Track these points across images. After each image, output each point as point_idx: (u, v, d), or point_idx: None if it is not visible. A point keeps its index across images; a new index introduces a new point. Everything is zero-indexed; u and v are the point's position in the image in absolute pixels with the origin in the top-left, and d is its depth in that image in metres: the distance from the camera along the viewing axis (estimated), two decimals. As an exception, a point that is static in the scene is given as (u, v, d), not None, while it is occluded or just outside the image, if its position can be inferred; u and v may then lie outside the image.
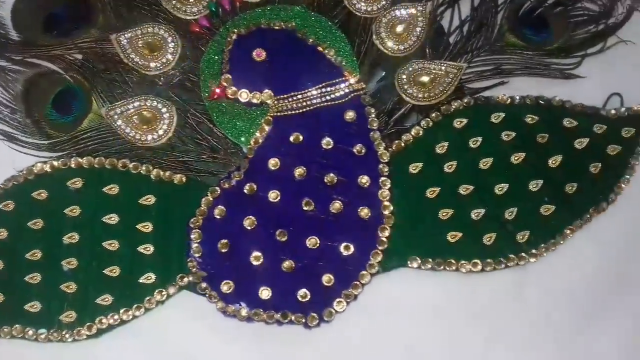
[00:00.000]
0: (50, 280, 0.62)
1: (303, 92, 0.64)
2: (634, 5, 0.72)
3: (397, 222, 0.64)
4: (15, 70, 0.67)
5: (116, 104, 0.66)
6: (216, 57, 0.66)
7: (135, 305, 0.61)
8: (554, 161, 0.66)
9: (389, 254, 0.63)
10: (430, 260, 0.64)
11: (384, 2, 0.69)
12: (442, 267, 0.64)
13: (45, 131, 0.67)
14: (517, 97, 0.68)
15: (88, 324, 0.61)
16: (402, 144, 0.66)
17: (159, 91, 0.67)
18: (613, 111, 0.69)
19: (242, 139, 0.65)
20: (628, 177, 0.68)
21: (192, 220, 0.62)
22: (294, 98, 0.64)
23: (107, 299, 0.61)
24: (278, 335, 0.61)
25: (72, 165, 0.64)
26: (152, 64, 0.67)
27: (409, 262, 0.64)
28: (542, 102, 0.68)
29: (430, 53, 0.69)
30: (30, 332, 0.61)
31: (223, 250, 0.61)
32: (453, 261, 0.64)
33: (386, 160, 0.64)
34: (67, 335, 0.61)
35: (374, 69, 0.69)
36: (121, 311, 0.61)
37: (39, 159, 0.65)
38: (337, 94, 0.64)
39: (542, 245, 0.65)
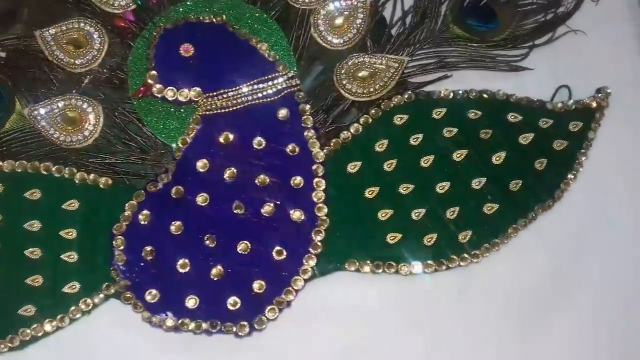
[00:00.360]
0: None
1: (233, 89, 0.61)
2: None
3: (334, 224, 0.62)
4: None
5: (40, 104, 0.63)
6: (144, 54, 0.63)
7: (60, 316, 0.59)
8: (498, 158, 0.65)
9: (326, 257, 0.61)
10: (368, 262, 0.62)
11: None
12: (381, 270, 0.62)
13: None
14: (460, 92, 0.66)
15: (10, 336, 0.59)
16: (341, 142, 0.63)
17: (85, 89, 0.64)
18: (560, 104, 0.66)
19: (172, 139, 0.62)
20: (575, 172, 0.66)
21: (115, 226, 0.59)
22: (224, 96, 0.61)
23: (29, 310, 0.59)
24: (208, 345, 0.59)
25: None
26: (78, 61, 0.64)
27: (346, 265, 0.62)
28: (485, 96, 0.65)
29: (372, 46, 0.67)
30: None
31: (148, 258, 0.59)
32: (393, 263, 0.62)
33: (321, 160, 0.61)
34: None
35: (313, 64, 0.67)
36: (45, 322, 0.59)
37: None
38: (270, 91, 0.62)
39: (485, 245, 0.63)
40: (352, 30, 0.66)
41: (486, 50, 0.69)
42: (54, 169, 0.61)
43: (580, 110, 0.67)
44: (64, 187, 0.61)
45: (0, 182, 0.61)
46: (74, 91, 0.64)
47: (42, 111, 0.62)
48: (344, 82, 0.65)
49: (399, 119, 0.64)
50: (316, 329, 0.61)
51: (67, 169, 0.61)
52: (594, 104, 0.67)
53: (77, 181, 0.61)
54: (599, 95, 0.68)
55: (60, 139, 0.62)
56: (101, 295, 0.59)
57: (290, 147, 0.61)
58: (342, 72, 0.65)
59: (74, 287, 0.59)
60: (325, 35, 0.66)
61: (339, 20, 0.66)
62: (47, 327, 0.59)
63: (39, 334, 0.59)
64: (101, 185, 0.61)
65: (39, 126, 0.62)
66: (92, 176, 0.61)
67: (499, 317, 0.63)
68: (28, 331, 0.59)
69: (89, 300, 0.59)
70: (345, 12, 0.66)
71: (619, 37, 0.71)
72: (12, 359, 0.59)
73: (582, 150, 0.67)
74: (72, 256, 0.60)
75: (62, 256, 0.60)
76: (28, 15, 0.66)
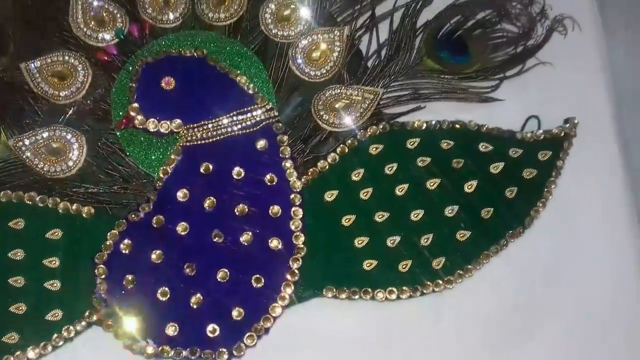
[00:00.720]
0: None
1: (213, 121, 0.63)
2: (554, 27, 0.72)
3: (312, 251, 0.62)
4: None
5: (24, 135, 0.64)
6: (127, 86, 0.64)
7: (43, 343, 0.59)
8: (470, 186, 0.66)
9: (303, 284, 0.62)
10: (345, 289, 0.63)
11: (300, 27, 0.68)
12: (357, 296, 0.63)
13: None
14: (433, 122, 0.67)
15: None
16: (318, 172, 0.64)
17: (69, 121, 0.65)
18: (529, 134, 0.68)
19: (154, 169, 0.64)
20: (544, 200, 0.67)
21: (97, 255, 0.60)
22: (204, 127, 0.62)
23: (13, 337, 0.59)
24: None
25: None
26: (62, 93, 0.65)
27: (324, 292, 0.63)
28: (457, 126, 0.67)
29: (348, 78, 0.68)
30: None
31: (129, 287, 0.59)
32: (369, 290, 0.63)
33: (298, 190, 0.62)
34: None
35: (291, 95, 0.68)
36: (28, 349, 0.59)
37: None
38: (249, 122, 0.63)
39: (458, 271, 0.64)
40: (329, 63, 0.68)
41: (458, 82, 0.70)
42: (37, 198, 0.62)
43: (549, 140, 0.69)
44: (48, 217, 0.62)
45: None
46: (58, 122, 0.64)
47: (27, 142, 0.63)
48: (322, 113, 0.66)
49: (374, 149, 0.65)
50: (294, 356, 0.62)
51: (50, 199, 0.62)
52: (562, 134, 0.69)
53: (60, 211, 0.62)
54: (567, 125, 0.69)
55: (45, 169, 0.63)
56: (83, 323, 0.60)
57: (268, 176, 0.62)
58: (320, 103, 0.67)
59: (56, 314, 0.60)
60: (303, 68, 0.68)
61: (316, 53, 0.68)
62: (30, 354, 0.59)
63: None
64: (84, 215, 0.62)
65: (24, 156, 0.63)
66: (75, 206, 0.62)
67: (473, 342, 0.64)
68: (12, 359, 0.59)
69: (71, 328, 0.60)
70: (323, 46, 0.67)
71: (586, 69, 0.73)
72: None
73: (552, 179, 0.68)
74: (55, 284, 0.60)
75: (45, 284, 0.60)
76: (13, 48, 0.66)
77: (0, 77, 0.66)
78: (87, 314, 0.60)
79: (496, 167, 0.67)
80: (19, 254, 0.61)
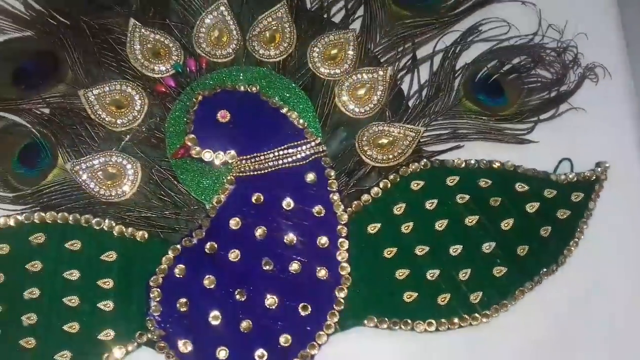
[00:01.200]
0: (10, 335, 0.62)
1: (265, 153, 0.66)
2: (585, 74, 0.76)
3: (355, 281, 0.65)
4: None
5: (82, 159, 0.67)
6: (181, 116, 0.68)
7: None
8: (506, 224, 0.69)
9: (346, 313, 0.64)
10: (386, 319, 0.65)
11: (346, 66, 0.72)
12: (398, 327, 0.65)
13: (10, 184, 0.68)
14: (472, 161, 0.70)
15: None
16: (362, 205, 0.67)
17: (125, 147, 0.68)
18: (563, 176, 0.72)
19: (206, 196, 0.66)
20: (577, 240, 0.70)
21: (152, 278, 0.62)
22: (257, 159, 0.66)
23: (65, 355, 0.62)
24: None
25: (36, 220, 0.64)
26: (119, 121, 0.68)
27: (365, 321, 0.65)
28: (495, 166, 0.70)
29: (390, 116, 0.72)
30: None
31: (182, 310, 0.62)
32: (409, 321, 0.65)
33: (344, 222, 0.65)
34: None
35: (336, 130, 0.72)
36: None
37: (2, 213, 0.65)
38: (299, 156, 0.66)
39: (494, 305, 0.67)
40: (373, 101, 0.72)
41: (495, 123, 0.74)
42: (93, 221, 0.64)
43: (582, 182, 0.72)
44: (103, 239, 0.64)
45: (43, 232, 0.63)
46: (114, 148, 0.67)
47: (84, 166, 0.66)
48: (365, 148, 0.70)
49: (415, 185, 0.69)
50: None
51: (106, 221, 0.65)
52: (594, 177, 0.72)
53: (115, 233, 0.64)
54: (598, 168, 0.73)
55: (100, 192, 0.66)
56: (134, 344, 0.62)
57: (316, 208, 0.65)
58: (364, 139, 0.70)
59: (108, 334, 0.62)
60: (348, 105, 0.72)
61: (361, 91, 0.72)
62: None
63: None
64: (138, 238, 0.65)
65: (80, 180, 0.66)
66: (129, 229, 0.65)
67: None
68: None
69: (122, 348, 0.62)
70: (367, 84, 0.71)
71: (616, 114, 0.77)
72: None
73: (584, 219, 0.71)
74: (108, 305, 0.63)
75: (98, 304, 0.63)
76: (72, 76, 0.70)
77: (59, 103, 0.69)
78: (137, 334, 0.62)
79: (532, 207, 0.70)
80: (74, 274, 0.63)
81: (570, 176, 0.72)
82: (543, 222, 0.70)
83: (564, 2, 0.79)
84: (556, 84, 0.76)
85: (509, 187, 0.70)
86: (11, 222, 0.64)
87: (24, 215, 0.64)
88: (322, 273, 0.64)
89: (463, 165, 0.70)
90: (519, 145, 0.74)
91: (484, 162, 0.70)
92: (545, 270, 0.69)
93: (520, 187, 0.70)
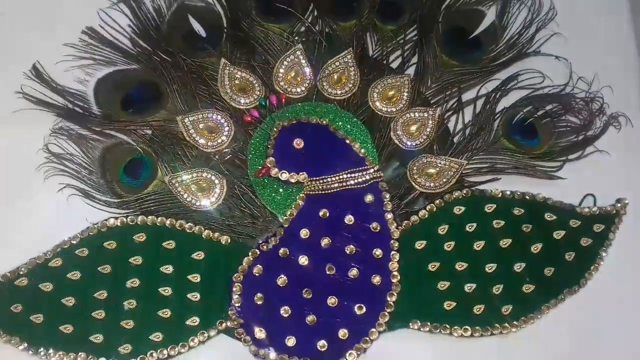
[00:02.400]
0: (113, 317, 0.70)
1: (332, 176, 0.75)
2: (610, 121, 0.84)
3: (403, 289, 0.72)
4: (94, 139, 0.78)
5: (178, 174, 0.76)
6: (262, 142, 0.77)
7: (181, 344, 0.70)
8: (536, 248, 0.76)
9: (395, 316, 0.72)
10: (428, 323, 0.72)
11: (401, 105, 0.81)
12: (438, 331, 0.72)
13: (116, 191, 0.76)
14: (508, 192, 0.78)
15: (141, 356, 0.70)
16: (410, 224, 0.75)
17: (214, 165, 0.77)
18: (587, 209, 0.79)
19: (279, 210, 0.76)
20: (597, 265, 0.77)
21: (235, 275, 0.71)
22: (324, 181, 0.75)
23: (158, 336, 0.70)
24: None
25: (138, 222, 0.73)
26: (210, 143, 0.77)
27: (410, 324, 0.72)
28: (527, 197, 0.78)
29: (437, 149, 0.80)
30: None
31: (258, 303, 0.71)
32: (447, 326, 0.73)
33: (396, 237, 0.74)
34: None
35: (391, 160, 0.80)
36: (169, 347, 0.70)
37: (110, 215, 0.75)
38: (360, 180, 0.75)
39: (523, 318, 0.74)
40: (423, 136, 0.80)
41: (528, 160, 0.81)
42: (186, 225, 0.74)
43: (603, 215, 0.79)
44: (193, 241, 0.73)
45: (144, 232, 0.73)
46: (205, 166, 0.76)
47: (179, 180, 0.75)
48: (415, 176, 0.78)
49: (457, 210, 0.77)
50: None
51: (196, 226, 0.74)
52: (614, 211, 0.80)
53: (203, 237, 0.73)
54: (618, 204, 0.80)
55: (192, 202, 0.75)
56: (215, 330, 0.71)
57: (373, 225, 0.74)
58: (414, 168, 0.78)
59: (194, 321, 0.71)
60: (402, 138, 0.80)
61: (413, 127, 0.80)
62: (171, 352, 0.70)
63: (163, 357, 0.70)
64: (222, 242, 0.74)
65: (175, 191, 0.76)
66: (215, 234, 0.74)
67: None
68: (155, 354, 0.70)
69: (205, 333, 0.71)
70: (419, 122, 0.80)
71: (636, 157, 0.84)
72: None
73: (604, 248, 0.78)
74: (196, 296, 0.72)
75: (187, 295, 0.71)
76: (171, 104, 0.80)
77: (160, 126, 0.79)
78: (218, 322, 0.71)
79: (558, 234, 0.77)
80: (168, 268, 0.72)
81: (593, 209, 0.79)
82: (568, 248, 0.77)
83: (593, 58, 0.86)
84: (583, 129, 0.83)
85: (539, 216, 0.77)
86: (118, 223, 0.73)
87: (129, 217, 0.74)
88: (376, 279, 0.72)
89: (500, 195, 0.77)
90: (549, 180, 0.80)
91: (518, 193, 0.78)
92: (568, 289, 0.76)
93: (549, 216, 0.78)
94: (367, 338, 0.71)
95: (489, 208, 0.78)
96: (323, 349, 0.70)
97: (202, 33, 0.85)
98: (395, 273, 0.73)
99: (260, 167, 0.76)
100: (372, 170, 0.76)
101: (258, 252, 0.73)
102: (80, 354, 0.70)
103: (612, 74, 0.86)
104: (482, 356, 0.74)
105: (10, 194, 0.78)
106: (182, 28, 0.85)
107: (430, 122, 0.81)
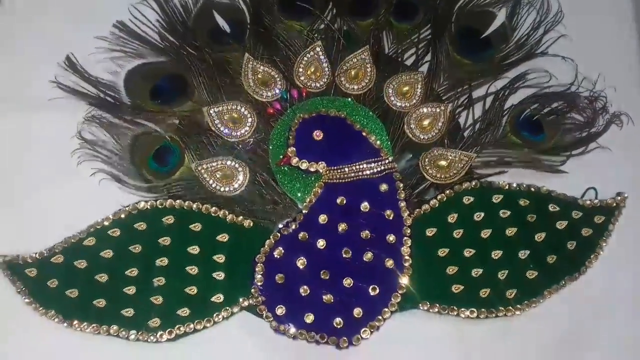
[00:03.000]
0: (143, 293, 0.75)
1: (349, 165, 0.79)
2: (612, 120, 0.87)
3: (414, 272, 0.76)
4: (125, 127, 0.82)
5: (203, 161, 0.80)
6: (283, 132, 0.82)
7: (206, 319, 0.75)
8: (539, 237, 0.80)
9: (406, 297, 0.76)
10: (437, 305, 0.77)
11: (414, 101, 0.85)
12: (446, 312, 0.77)
13: (145, 177, 0.81)
14: (514, 184, 0.81)
15: (169, 329, 0.74)
16: (422, 212, 0.79)
17: (237, 154, 0.81)
18: (588, 202, 0.83)
19: (298, 196, 0.80)
20: (597, 254, 0.82)
21: (257, 256, 0.75)
22: (342, 170, 0.79)
23: (185, 312, 0.75)
24: (315, 352, 0.75)
25: (167, 206, 0.78)
26: (234, 133, 0.82)
27: (420, 305, 0.77)
28: (532, 189, 0.82)
29: (448, 143, 0.84)
30: (124, 332, 0.74)
31: (279, 282, 0.75)
32: (455, 308, 0.77)
33: (409, 224, 0.78)
34: (151, 337, 0.74)
35: (404, 152, 0.84)
36: (195, 322, 0.75)
37: (139, 198, 0.80)
38: (375, 170, 0.79)
39: (526, 302, 0.78)
40: (435, 130, 0.84)
41: (534, 155, 0.84)
42: (212, 209, 0.78)
43: (604, 208, 0.83)
44: (218, 224, 0.77)
45: (172, 215, 0.77)
46: (229, 154, 0.81)
47: (205, 166, 0.80)
48: (427, 167, 0.82)
49: (466, 199, 0.81)
50: (395, 350, 0.77)
51: (221, 211, 0.78)
52: (614, 204, 0.84)
53: (227, 220, 0.78)
54: (618, 197, 0.84)
55: (216, 188, 0.80)
56: (238, 307, 0.76)
57: (387, 212, 0.78)
58: (426, 160, 0.83)
59: (219, 298, 0.76)
60: (415, 132, 0.84)
61: (425, 122, 0.84)
62: (197, 326, 0.75)
63: (190, 331, 0.75)
64: (245, 225, 0.78)
65: (201, 177, 0.80)
66: (239, 218, 0.78)
67: (532, 357, 0.78)
68: (182, 327, 0.75)
69: (229, 309, 0.75)
70: (431, 117, 0.84)
71: (636, 154, 0.88)
72: (166, 347, 0.75)
73: (604, 238, 0.82)
74: (220, 275, 0.76)
75: (212, 274, 0.76)
76: (198, 95, 0.84)
77: (187, 116, 0.83)
78: (241, 300, 0.76)
79: (561, 224, 0.81)
80: (195, 249, 0.77)
81: (595, 202, 0.84)
82: (570, 238, 0.81)
83: (598, 59, 0.90)
84: (587, 126, 0.86)
85: (544, 207, 0.81)
86: (147, 206, 0.78)
87: (158, 201, 0.78)
88: (389, 263, 0.76)
89: (507, 187, 0.81)
90: (553, 174, 0.84)
91: (524, 185, 0.82)
92: (569, 276, 0.80)
93: (553, 207, 0.82)
94: (380, 317, 0.76)
95: (496, 199, 0.82)
96: (339, 326, 0.75)
97: (227, 29, 0.89)
98: (407, 257, 0.77)
99: (281, 157, 0.81)
100: (386, 161, 0.80)
101: (279, 236, 0.77)
102: (112, 326, 0.75)
103: (616, 75, 0.89)
104: (486, 336, 0.79)
105: (45, 177, 0.83)
106: (207, 23, 0.89)
107: (442, 117, 0.85)
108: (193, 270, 0.77)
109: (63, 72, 0.86)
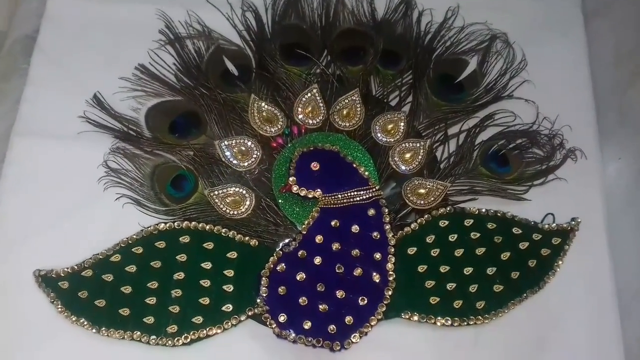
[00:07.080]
0: (162, 303, 0.83)
1: (341, 193, 0.87)
2: (568, 154, 0.98)
3: (398, 286, 0.84)
4: (146, 158, 0.92)
5: (215, 188, 0.89)
6: (284, 164, 0.92)
7: (217, 325, 0.83)
8: (505, 255, 0.89)
9: (390, 307, 0.84)
10: (417, 314, 0.85)
11: (398, 137, 0.95)
12: (424, 320, 0.85)
13: (163, 201, 0.89)
14: (483, 210, 0.90)
15: (184, 335, 0.82)
16: (404, 234, 0.88)
17: (245, 182, 0.90)
18: (547, 226, 0.93)
19: (297, 219, 0.91)
20: (554, 271, 0.90)
21: (262, 271, 0.84)
22: (335, 197, 0.87)
23: (199, 319, 0.83)
24: (312, 354, 0.84)
25: (183, 227, 0.86)
26: (241, 164, 0.91)
27: (402, 314, 0.85)
28: (499, 214, 0.91)
29: (427, 173, 0.93)
30: (145, 338, 0.82)
31: (281, 293, 0.83)
32: (432, 317, 0.85)
33: (393, 244, 0.87)
34: (168, 342, 0.82)
35: (389, 181, 0.93)
36: (207, 328, 0.83)
37: (158, 220, 0.89)
38: (364, 197, 0.89)
39: (493, 312, 0.86)
40: (415, 162, 0.94)
41: (500, 184, 0.94)
42: (222, 230, 0.87)
43: (560, 231, 0.92)
44: (228, 243, 0.86)
45: (188, 234, 0.86)
46: (237, 182, 0.90)
47: (217, 192, 0.90)
48: (409, 195, 0.92)
49: (442, 223, 0.89)
50: (381, 353, 0.86)
51: (230, 231, 0.88)
52: (569, 228, 0.93)
53: (236, 240, 0.86)
54: (573, 222, 0.93)
55: (227, 212, 0.89)
56: (245, 315, 0.85)
57: (374, 234, 0.87)
58: (408, 188, 0.92)
59: (229, 307, 0.84)
60: (398, 164, 0.94)
61: (407, 155, 0.94)
62: (209, 332, 0.83)
63: (203, 336, 0.83)
64: (251, 244, 0.87)
65: (213, 202, 0.90)
66: (246, 238, 0.87)
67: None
68: (196, 333, 0.83)
69: (237, 317, 0.83)
70: (412, 150, 0.94)
71: (589, 184, 0.97)
72: (182, 351, 0.84)
73: (560, 257, 0.91)
74: (230, 287, 0.84)
75: (223, 287, 0.84)
76: (210, 130, 0.94)
77: (200, 148, 0.93)
78: (248, 309, 0.85)
79: (523, 245, 0.91)
80: (208, 265, 0.87)
81: (552, 226, 0.93)
82: (530, 257, 0.90)
83: (556, 101, 1.00)
84: (546, 160, 0.96)
85: (508, 230, 0.90)
86: (167, 227, 0.87)
87: (176, 223, 0.88)
88: (376, 277, 0.86)
89: (477, 212, 0.90)
90: (517, 201, 0.93)
91: (492, 211, 0.91)
92: (530, 290, 0.88)
93: (516, 230, 0.91)
94: (368, 324, 0.84)
95: (468, 222, 0.91)
96: (333, 332, 0.85)
97: (235, 72, 1.00)
98: (392, 273, 0.86)
99: (283, 185, 0.91)
100: (374, 189, 0.89)
101: (281, 253, 0.86)
102: (135, 332, 0.84)
103: (571, 115, 0.99)
104: (459, 341, 0.88)
105: (75, 201, 0.93)
106: (218, 67, 1.00)
107: (421, 151, 0.94)
108: (206, 283, 0.85)
109: (91, 108, 0.97)
